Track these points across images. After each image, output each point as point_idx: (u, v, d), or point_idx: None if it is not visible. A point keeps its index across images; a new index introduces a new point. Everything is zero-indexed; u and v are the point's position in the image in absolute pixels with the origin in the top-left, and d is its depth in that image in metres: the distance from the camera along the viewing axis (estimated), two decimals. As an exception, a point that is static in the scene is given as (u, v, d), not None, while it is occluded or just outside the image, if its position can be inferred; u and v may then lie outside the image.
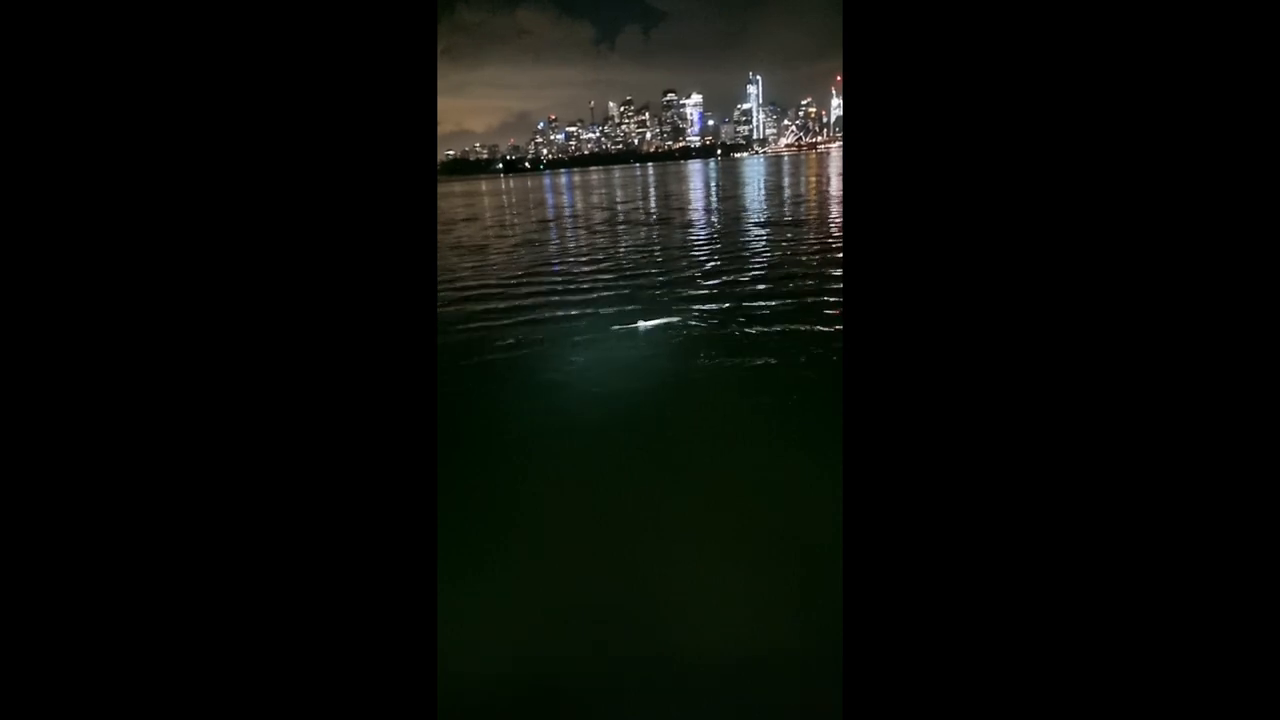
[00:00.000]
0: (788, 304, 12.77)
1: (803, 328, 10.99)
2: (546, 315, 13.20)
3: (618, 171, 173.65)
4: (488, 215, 43.03)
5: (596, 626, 4.33)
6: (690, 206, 40.33)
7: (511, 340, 11.42)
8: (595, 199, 55.56)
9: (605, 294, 14.85)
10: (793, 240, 21.47)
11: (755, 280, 15.26)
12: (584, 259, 20.57)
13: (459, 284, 16.97)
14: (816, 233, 23.04)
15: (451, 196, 77.42)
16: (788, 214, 30.69)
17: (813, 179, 61.70)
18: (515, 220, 38.25)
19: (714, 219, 31.23)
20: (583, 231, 29.62)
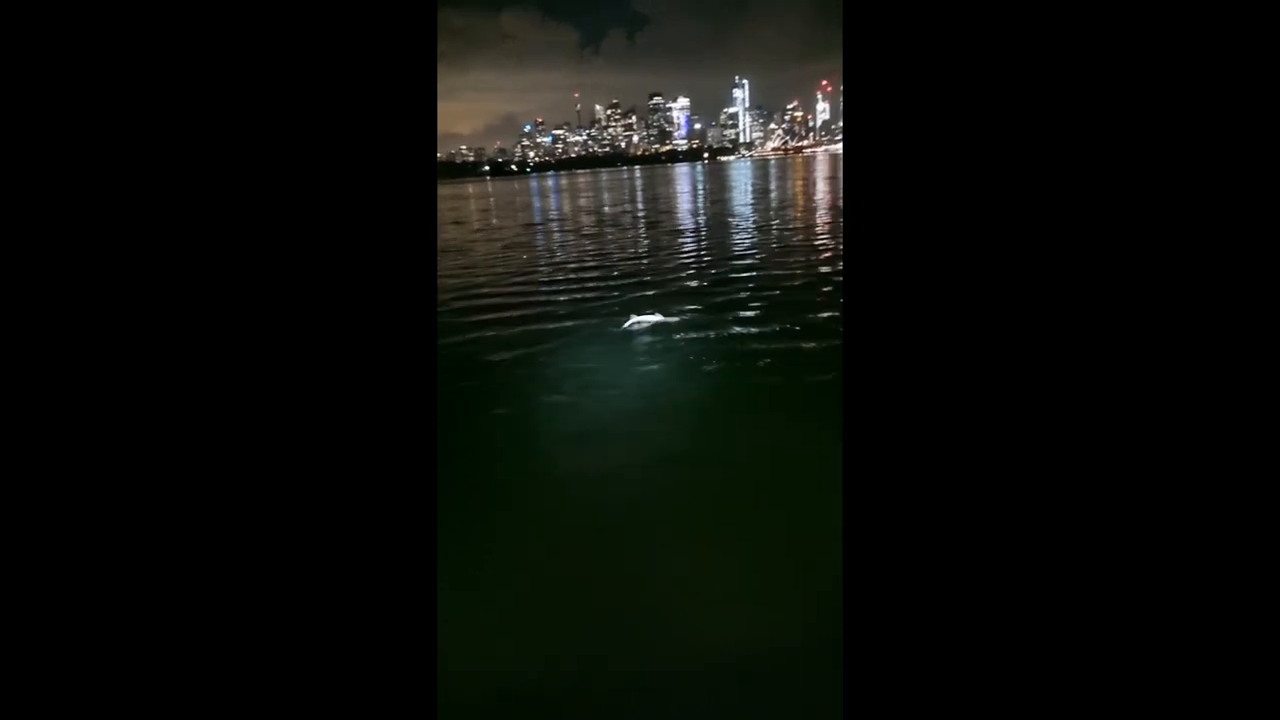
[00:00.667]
0: (785, 306, 12.86)
1: (799, 326, 11.06)
2: (542, 317, 13.13)
3: (605, 174, 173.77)
4: (475, 219, 42.76)
5: (596, 628, 4.32)
6: (680, 209, 40.38)
7: (500, 340, 11.36)
8: (583, 202, 55.47)
9: (599, 295, 14.85)
10: (787, 240, 21.65)
11: (749, 281, 15.34)
12: (576, 262, 20.51)
13: (454, 289, 16.84)
14: (810, 232, 23.25)
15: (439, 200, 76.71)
16: (784, 216, 30.88)
17: (799, 182, 62.26)
18: (499, 223, 38.05)
19: (701, 222, 31.29)
20: (582, 235, 29.50)
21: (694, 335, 11.12)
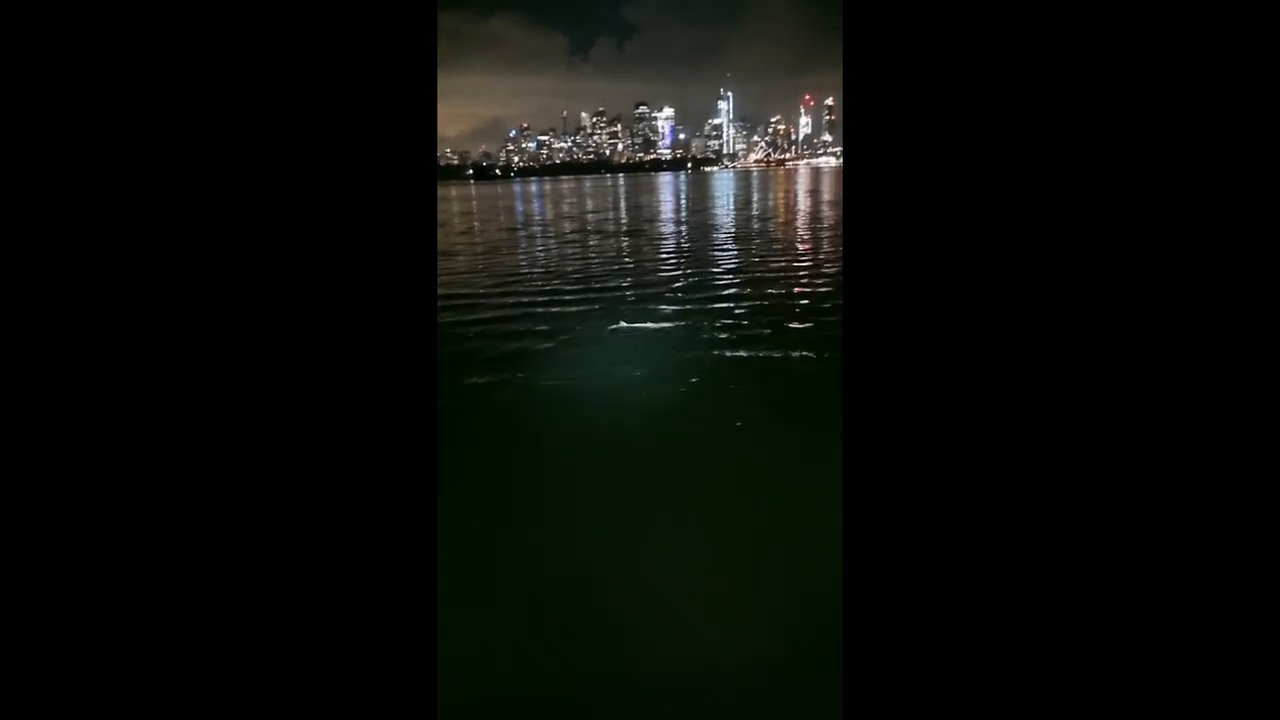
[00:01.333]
0: (781, 308, 12.85)
1: (796, 327, 11.10)
2: (537, 318, 12.97)
3: (588, 181, 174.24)
4: (457, 221, 42.43)
5: (593, 632, 4.28)
6: (663, 217, 40.48)
7: (494, 343, 11.18)
8: (570, 208, 55.39)
9: (590, 298, 14.74)
10: (782, 243, 21.71)
11: (734, 287, 15.35)
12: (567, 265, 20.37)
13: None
14: (799, 239, 23.38)
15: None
16: (766, 226, 31.06)
17: (782, 194, 62.91)
18: (479, 227, 37.79)
19: (683, 230, 31.40)
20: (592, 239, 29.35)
21: (680, 340, 11.06)
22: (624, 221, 38.48)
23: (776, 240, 25.66)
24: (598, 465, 6.73)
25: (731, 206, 48.05)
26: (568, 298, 15.39)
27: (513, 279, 18.57)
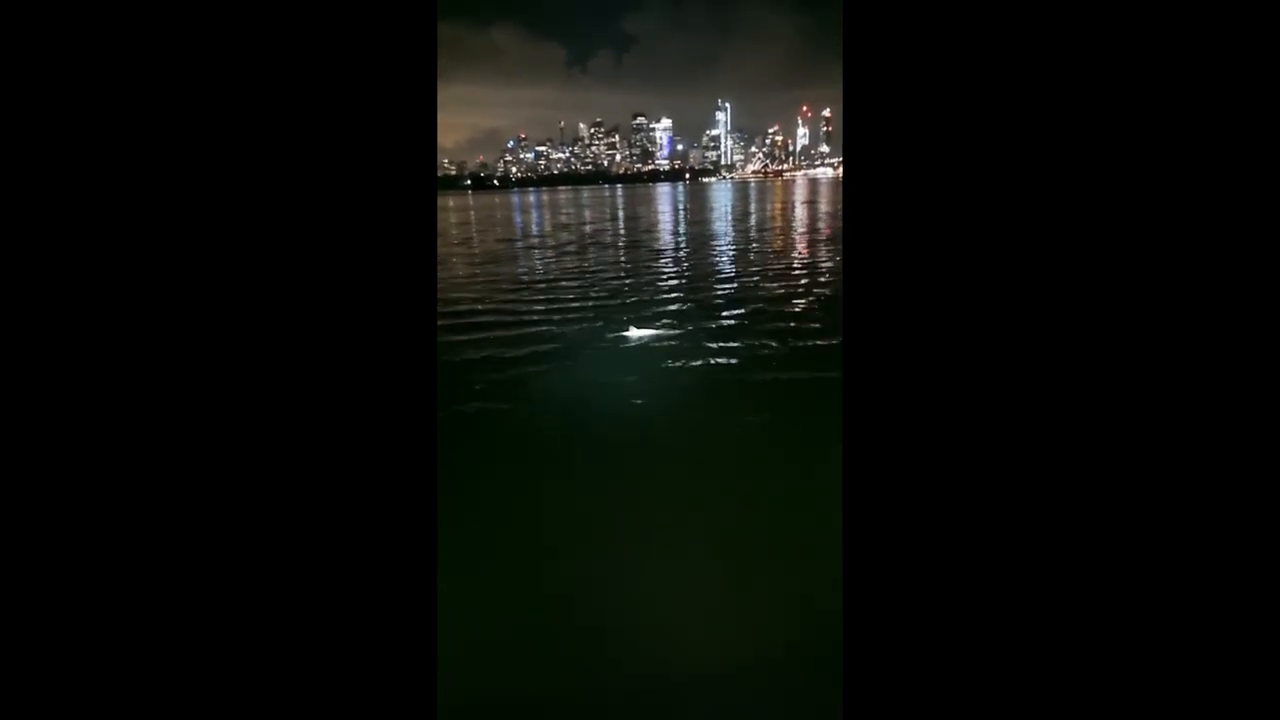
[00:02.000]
0: (780, 313, 12.96)
1: (794, 338, 11.15)
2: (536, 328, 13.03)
3: (586, 191, 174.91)
4: (454, 232, 42.55)
5: (593, 636, 4.30)
6: (661, 228, 40.64)
7: (488, 351, 11.24)
8: (568, 218, 55.58)
9: (588, 308, 14.80)
10: (780, 254, 21.89)
11: (732, 295, 15.46)
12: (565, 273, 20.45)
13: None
14: (787, 251, 23.55)
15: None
16: (764, 237, 31.21)
17: (779, 205, 63.28)
18: (478, 236, 37.89)
19: (680, 242, 31.53)
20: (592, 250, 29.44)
21: (678, 350, 11.12)
22: (622, 233, 38.66)
23: (774, 251, 25.83)
24: (598, 470, 6.79)
25: (730, 217, 48.33)
26: (568, 306, 15.49)
27: (511, 289, 18.66)
